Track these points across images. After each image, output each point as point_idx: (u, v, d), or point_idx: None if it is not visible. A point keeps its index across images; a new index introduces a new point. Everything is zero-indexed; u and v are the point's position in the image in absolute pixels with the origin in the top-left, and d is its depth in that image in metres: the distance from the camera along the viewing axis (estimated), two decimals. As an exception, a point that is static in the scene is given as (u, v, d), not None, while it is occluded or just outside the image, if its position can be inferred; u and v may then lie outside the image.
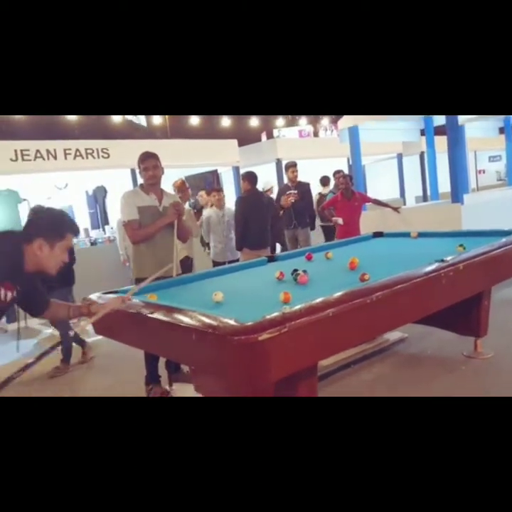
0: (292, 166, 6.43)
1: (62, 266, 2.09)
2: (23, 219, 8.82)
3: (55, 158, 7.05)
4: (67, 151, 7.16)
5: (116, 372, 4.21)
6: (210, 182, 13.01)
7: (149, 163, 3.42)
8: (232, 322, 1.92)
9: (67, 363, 4.48)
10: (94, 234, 8.29)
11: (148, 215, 3.40)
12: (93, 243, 7.71)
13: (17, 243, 1.96)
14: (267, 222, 5.23)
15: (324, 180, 7.88)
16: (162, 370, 3.59)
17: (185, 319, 2.09)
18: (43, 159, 6.98)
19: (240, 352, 1.81)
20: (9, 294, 1.97)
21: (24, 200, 9.09)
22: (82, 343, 4.66)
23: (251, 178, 5.28)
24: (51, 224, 2.01)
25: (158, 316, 2.24)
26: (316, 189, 7.65)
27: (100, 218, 9.37)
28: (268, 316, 1.92)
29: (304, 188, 6.34)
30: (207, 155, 8.44)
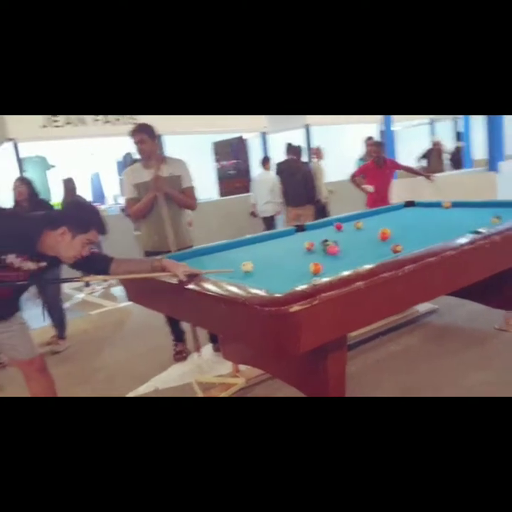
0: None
1: (79, 258, 2.18)
2: (52, 185, 8.93)
3: (85, 124, 7.05)
4: (97, 118, 7.15)
5: (145, 338, 4.30)
6: (236, 149, 12.83)
7: (137, 138, 3.36)
8: (262, 293, 1.92)
9: (62, 338, 4.26)
10: (123, 201, 8.35)
11: (143, 190, 3.39)
12: (123, 209, 7.79)
13: (38, 226, 2.10)
14: (300, 185, 6.14)
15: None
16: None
17: (216, 289, 2.10)
18: (73, 126, 7.00)
19: (270, 323, 1.82)
20: (31, 265, 2.14)
21: (53, 166, 9.21)
22: (62, 327, 4.29)
23: (287, 148, 6.41)
24: (79, 216, 2.14)
25: (189, 285, 2.25)
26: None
27: (128, 184, 9.41)
28: (298, 288, 1.91)
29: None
30: (233, 121, 8.29)
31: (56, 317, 4.22)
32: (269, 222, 7.09)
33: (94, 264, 2.26)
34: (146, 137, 3.35)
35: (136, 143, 3.37)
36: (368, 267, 2.14)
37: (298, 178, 6.14)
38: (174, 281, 2.33)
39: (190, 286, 2.23)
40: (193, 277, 2.29)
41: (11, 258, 2.07)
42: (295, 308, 1.78)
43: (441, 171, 8.92)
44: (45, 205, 4.24)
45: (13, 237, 2.06)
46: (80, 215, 2.16)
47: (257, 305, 1.83)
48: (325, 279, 1.99)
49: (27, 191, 4.12)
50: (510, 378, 2.82)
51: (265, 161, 7.18)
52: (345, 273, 2.06)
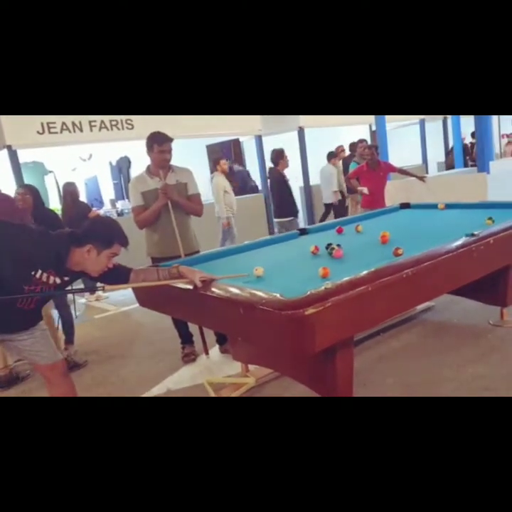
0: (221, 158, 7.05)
1: (105, 271, 2.32)
2: (49, 190, 8.96)
3: (81, 130, 7.13)
4: (93, 123, 7.23)
5: (152, 341, 4.42)
6: (228, 151, 12.88)
7: (167, 146, 3.43)
8: (278, 297, 2.06)
9: (71, 342, 4.27)
10: (120, 205, 8.46)
11: (151, 198, 3.48)
12: (120, 214, 7.90)
13: (67, 244, 2.24)
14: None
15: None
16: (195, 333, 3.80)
17: (234, 294, 2.24)
18: (69, 132, 7.06)
19: (287, 325, 1.95)
20: (57, 279, 2.27)
21: (50, 171, 9.29)
22: (70, 331, 4.29)
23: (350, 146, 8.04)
24: (103, 233, 2.26)
25: (205, 290, 2.38)
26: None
27: (124, 189, 9.51)
28: (312, 291, 2.05)
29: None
30: (229, 123, 8.40)
31: (65, 320, 4.31)
32: (330, 208, 8.36)
33: (116, 275, 2.39)
34: (171, 147, 3.47)
35: (163, 152, 3.43)
36: (373, 270, 2.28)
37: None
38: (190, 287, 2.46)
39: (207, 291, 2.37)
40: (208, 283, 2.43)
41: (40, 274, 2.20)
42: (310, 310, 1.92)
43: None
44: (51, 214, 4.24)
45: (44, 255, 2.19)
46: (104, 231, 2.28)
47: (274, 309, 1.97)
48: (336, 283, 2.13)
49: (32, 200, 4.05)
50: (506, 372, 2.98)
51: (331, 156, 8.25)
52: (354, 277, 2.21)
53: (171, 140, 3.46)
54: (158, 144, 3.43)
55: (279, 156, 5.99)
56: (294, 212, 6.18)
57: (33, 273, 2.19)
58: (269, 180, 6.21)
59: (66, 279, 2.33)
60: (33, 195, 4.11)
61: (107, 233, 2.28)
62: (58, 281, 2.28)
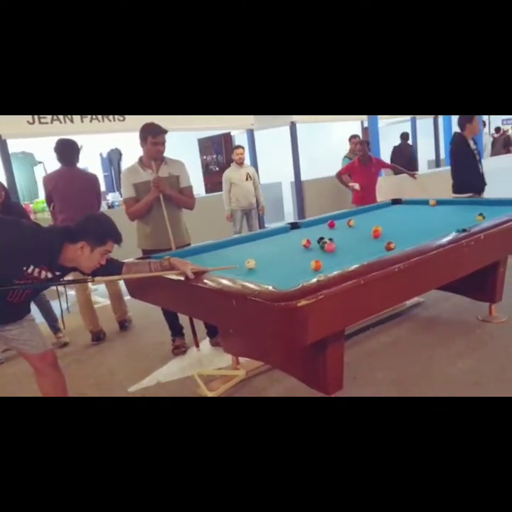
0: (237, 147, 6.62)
1: (97, 267, 2.31)
2: (39, 181, 8.85)
3: (72, 121, 7.05)
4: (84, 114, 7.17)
5: (142, 334, 4.41)
6: (218, 145, 12.82)
7: (161, 138, 3.40)
8: (271, 289, 2.06)
9: (59, 330, 4.34)
10: (111, 197, 8.38)
11: (143, 190, 3.45)
12: (110, 206, 7.82)
13: (60, 240, 2.21)
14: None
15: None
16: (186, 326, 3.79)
17: (226, 286, 2.23)
18: (60, 122, 6.97)
19: (280, 317, 1.95)
20: (49, 274, 2.26)
21: (40, 162, 9.16)
22: (53, 320, 4.37)
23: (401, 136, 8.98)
24: (97, 230, 2.24)
25: (197, 282, 2.38)
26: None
27: (115, 181, 9.43)
28: (305, 283, 2.05)
29: None
30: (221, 118, 8.36)
31: (44, 312, 4.26)
32: None
33: (109, 270, 2.38)
34: (165, 139, 3.43)
35: (157, 144, 3.39)
36: (365, 264, 2.29)
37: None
38: (181, 278, 2.45)
39: (199, 283, 2.36)
40: (199, 274, 2.42)
41: (32, 269, 2.17)
42: (303, 302, 1.92)
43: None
44: (19, 208, 4.14)
45: (37, 251, 2.16)
46: (98, 228, 2.25)
47: (267, 300, 1.97)
48: (329, 275, 2.14)
49: (4, 194, 3.86)
50: (495, 367, 3.01)
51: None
52: (346, 270, 2.21)
53: (165, 132, 3.42)
54: (153, 135, 3.39)
55: (467, 119, 4.87)
56: (476, 188, 4.86)
57: (24, 268, 2.16)
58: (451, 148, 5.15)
59: (58, 274, 2.32)
60: (4, 189, 4.02)
61: (100, 230, 2.26)
62: (50, 275, 2.26)
